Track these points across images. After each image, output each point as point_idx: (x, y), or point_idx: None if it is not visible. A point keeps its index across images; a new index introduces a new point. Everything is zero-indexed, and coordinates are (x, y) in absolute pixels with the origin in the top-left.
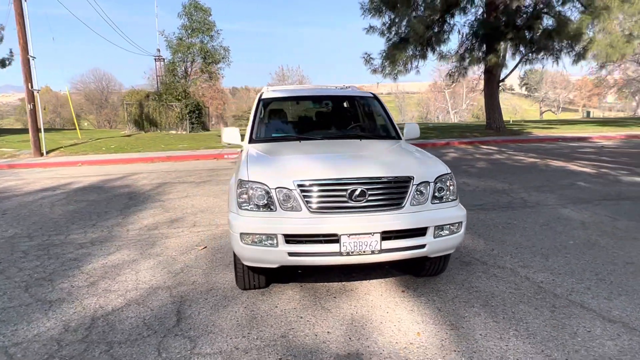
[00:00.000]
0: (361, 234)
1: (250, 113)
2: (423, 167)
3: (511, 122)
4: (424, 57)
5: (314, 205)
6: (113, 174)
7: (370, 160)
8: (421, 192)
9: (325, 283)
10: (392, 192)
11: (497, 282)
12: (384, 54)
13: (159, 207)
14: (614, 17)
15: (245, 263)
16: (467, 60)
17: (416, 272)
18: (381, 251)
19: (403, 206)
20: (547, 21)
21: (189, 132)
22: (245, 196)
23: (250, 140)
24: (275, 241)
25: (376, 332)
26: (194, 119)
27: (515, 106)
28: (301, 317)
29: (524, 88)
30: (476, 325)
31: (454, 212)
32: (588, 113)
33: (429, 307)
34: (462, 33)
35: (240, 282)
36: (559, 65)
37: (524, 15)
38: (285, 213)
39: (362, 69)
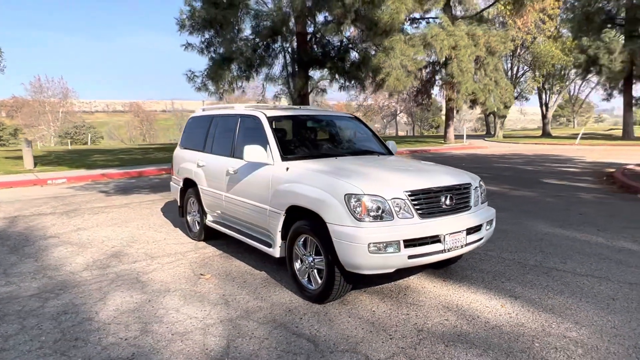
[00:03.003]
0: (456, 232)
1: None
2: (469, 175)
3: None
4: (248, 78)
5: (422, 211)
6: None
7: (434, 171)
8: (475, 195)
9: (380, 286)
10: (465, 196)
11: (491, 264)
12: (207, 73)
13: (65, 244)
14: (398, 57)
15: (365, 272)
16: (292, 85)
17: (436, 265)
18: (466, 245)
19: (471, 207)
20: (356, 54)
21: None
22: (360, 209)
23: (283, 159)
24: (398, 247)
25: (476, 311)
26: None
27: None
28: (408, 314)
29: None
30: (526, 293)
31: (490, 210)
32: None
33: (480, 287)
34: (286, 59)
35: (335, 293)
36: (365, 92)
37: (336, 48)
38: (400, 221)
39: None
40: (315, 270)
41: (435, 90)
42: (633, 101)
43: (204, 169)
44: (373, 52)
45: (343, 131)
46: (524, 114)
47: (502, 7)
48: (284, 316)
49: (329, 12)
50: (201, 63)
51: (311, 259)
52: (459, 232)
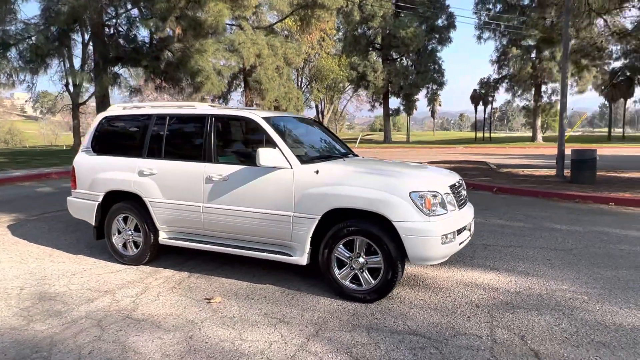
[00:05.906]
0: (472, 219)
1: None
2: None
3: None
4: (36, 71)
5: (457, 203)
6: None
7: (439, 169)
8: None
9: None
10: (465, 189)
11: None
12: None
13: None
14: (210, 60)
15: (434, 262)
16: (98, 81)
17: None
18: (474, 232)
19: (467, 199)
20: (170, 54)
21: None
22: (425, 204)
23: (302, 161)
24: (454, 236)
25: (488, 285)
26: None
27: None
28: (450, 296)
29: (38, 111)
30: (497, 265)
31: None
32: None
33: (464, 267)
34: (88, 52)
35: (393, 288)
36: (184, 94)
37: (147, 45)
38: (451, 213)
39: None
40: (367, 270)
41: (236, 96)
42: (390, 112)
43: (156, 178)
44: (188, 54)
45: (320, 133)
46: None
47: (291, 24)
48: (358, 320)
49: (151, 7)
50: None
51: (362, 259)
52: (473, 219)
